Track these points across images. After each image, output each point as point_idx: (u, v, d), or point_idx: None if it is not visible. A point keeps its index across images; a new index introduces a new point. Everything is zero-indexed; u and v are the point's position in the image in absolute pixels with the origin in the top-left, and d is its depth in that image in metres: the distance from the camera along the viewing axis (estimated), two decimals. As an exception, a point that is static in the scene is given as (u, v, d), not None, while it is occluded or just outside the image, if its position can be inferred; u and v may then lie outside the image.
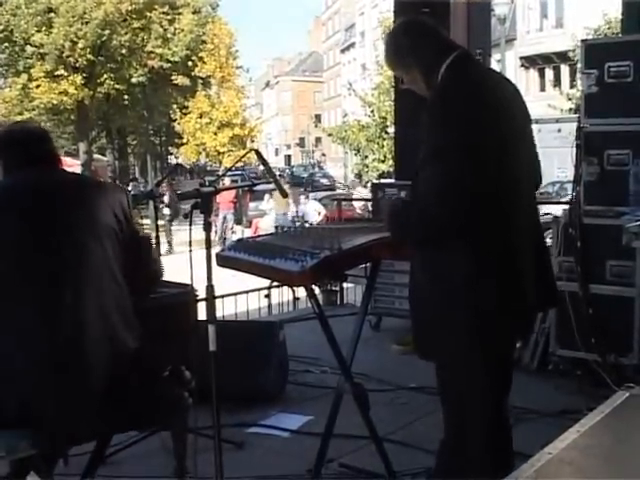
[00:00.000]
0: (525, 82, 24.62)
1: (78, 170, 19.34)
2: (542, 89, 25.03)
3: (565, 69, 23.66)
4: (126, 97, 24.63)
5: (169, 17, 23.82)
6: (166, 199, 13.46)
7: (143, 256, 2.14)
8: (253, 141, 28.49)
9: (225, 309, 5.42)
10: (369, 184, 16.87)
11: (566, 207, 3.89)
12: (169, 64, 24.09)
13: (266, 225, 13.88)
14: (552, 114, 20.77)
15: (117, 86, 23.43)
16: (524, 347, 3.99)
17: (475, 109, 1.75)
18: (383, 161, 19.35)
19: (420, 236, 1.82)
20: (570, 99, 19.89)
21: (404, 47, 1.90)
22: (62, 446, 1.93)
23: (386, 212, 1.96)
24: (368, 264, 2.74)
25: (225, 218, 15.14)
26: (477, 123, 1.74)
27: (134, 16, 22.86)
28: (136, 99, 25.37)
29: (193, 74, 24.70)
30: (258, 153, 2.60)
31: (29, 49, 22.26)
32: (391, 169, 17.51)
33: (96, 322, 1.90)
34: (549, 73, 24.91)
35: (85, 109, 23.79)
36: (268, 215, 14.54)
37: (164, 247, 13.09)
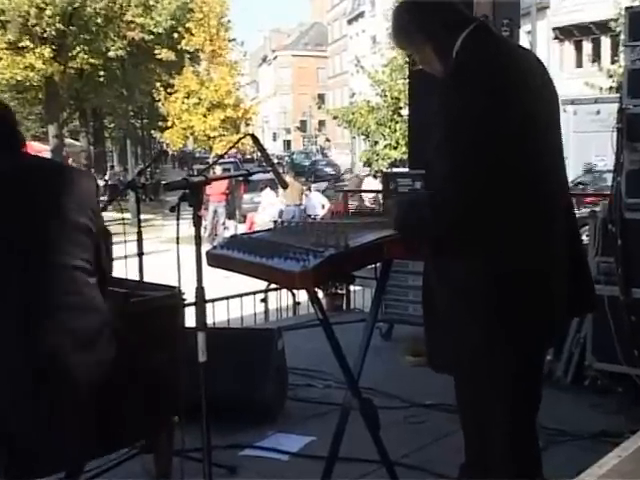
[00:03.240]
0: (559, 57, 24.59)
1: (47, 157, 19.39)
2: (579, 65, 25.00)
3: (606, 41, 23.61)
4: (102, 73, 24.60)
5: (152, -19, 23.81)
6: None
7: (106, 254, 2.16)
8: (248, 124, 28.44)
9: (216, 315, 5.43)
10: (379, 173, 16.96)
11: (605, 200, 3.90)
12: (152, 36, 24.06)
13: (262, 220, 13.92)
14: (590, 94, 20.74)
15: (92, 60, 23.39)
16: (556, 359, 3.99)
17: (495, 90, 1.75)
18: (395, 147, 19.32)
19: (435, 234, 1.84)
20: (611, 76, 19.83)
21: (412, 23, 1.91)
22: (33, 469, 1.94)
23: (393, 212, 1.97)
24: (378, 264, 2.75)
25: (216, 212, 15.17)
26: (498, 106, 1.74)
27: (111, -21, 22.80)
28: (114, 76, 25.36)
29: (179, 48, 24.66)
30: (254, 138, 2.61)
31: (-13, 16, 22.15)
32: (404, 157, 17.49)
33: (67, 326, 1.91)
34: (587, 46, 24.87)
35: (55, 87, 23.74)
36: (266, 209, 14.56)
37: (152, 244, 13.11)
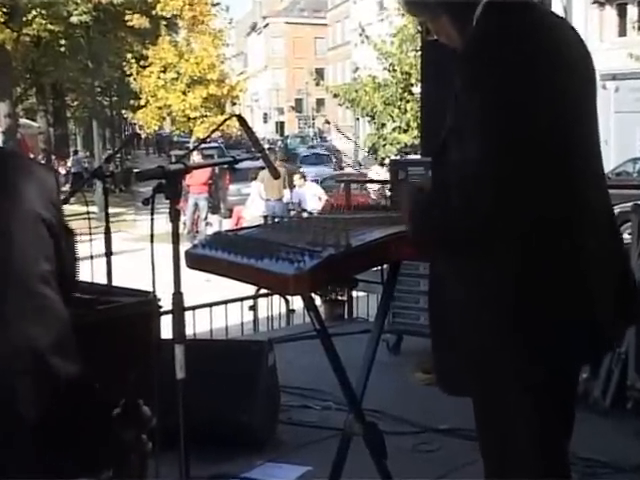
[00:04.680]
0: (599, 25, 24.57)
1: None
2: (622, 33, 24.96)
3: (654, 6, 23.59)
4: (63, 42, 24.56)
5: None
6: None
7: (69, 255, 2.17)
8: (234, 104, 28.44)
9: (197, 325, 5.45)
10: (387, 161, 16.93)
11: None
12: (122, -2, 24.06)
13: (251, 215, 13.91)
14: (635, 67, 20.71)
15: (51, 27, 23.32)
16: (593, 377, 4.00)
17: (522, 64, 1.75)
18: (406, 131, 19.29)
19: (443, 242, 1.83)
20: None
21: None
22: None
23: (405, 202, 1.97)
24: (385, 266, 2.76)
25: (197, 205, 15.18)
26: (524, 82, 1.74)
27: None
28: (77, 45, 25.31)
29: (154, 13, 24.63)
30: (241, 120, 2.62)
31: None
32: (416, 141, 17.48)
33: (16, 342, 1.92)
34: (632, 11, 24.82)
35: (6, 57, 23.65)
36: (255, 202, 14.55)
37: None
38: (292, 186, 14.79)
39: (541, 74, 1.77)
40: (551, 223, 1.78)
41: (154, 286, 2.15)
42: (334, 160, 29.54)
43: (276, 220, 2.69)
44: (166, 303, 2.25)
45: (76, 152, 30.93)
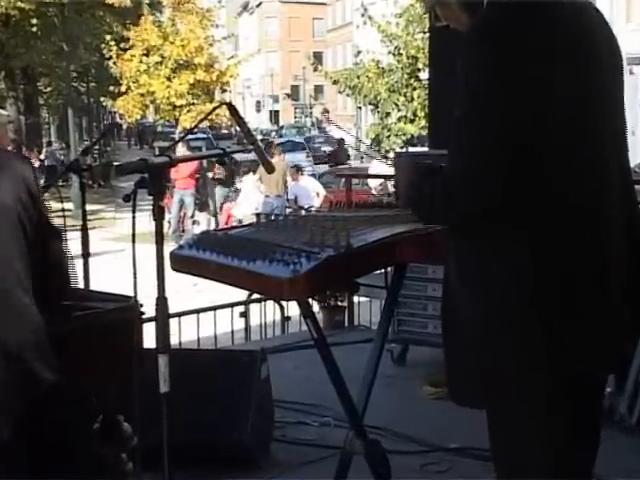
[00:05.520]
0: (625, 4, 24.57)
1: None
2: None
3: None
4: (35, 22, 24.54)
5: None
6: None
7: (54, 256, 2.17)
8: (224, 90, 28.46)
9: (183, 333, 5.44)
10: (391, 154, 16.91)
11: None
12: (100, -26, 24.05)
13: (243, 212, 13.92)
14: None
15: (21, 4, 23.29)
16: (617, 392, 4.01)
17: (536, 48, 1.76)
18: (412, 121, 19.31)
19: (445, 224, 1.88)
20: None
21: None
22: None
23: (402, 181, 1.99)
24: (389, 269, 2.76)
25: (183, 202, 15.18)
26: (536, 69, 1.75)
27: None
28: (50, 25, 25.30)
29: (136, -10, 24.71)
30: (231, 108, 2.62)
31: None
32: (423, 132, 17.47)
33: None
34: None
35: (-30, 38, 23.64)
36: (247, 198, 14.56)
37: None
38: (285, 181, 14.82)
39: (556, 60, 1.77)
40: (567, 222, 1.79)
41: (136, 291, 2.14)
42: (337, 152, 29.57)
43: (270, 218, 2.68)
44: (149, 309, 2.25)
45: (50, 143, 30.93)
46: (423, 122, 17.57)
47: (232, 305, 6.21)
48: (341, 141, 29.82)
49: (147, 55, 24.54)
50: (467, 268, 1.88)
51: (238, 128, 2.60)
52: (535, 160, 1.76)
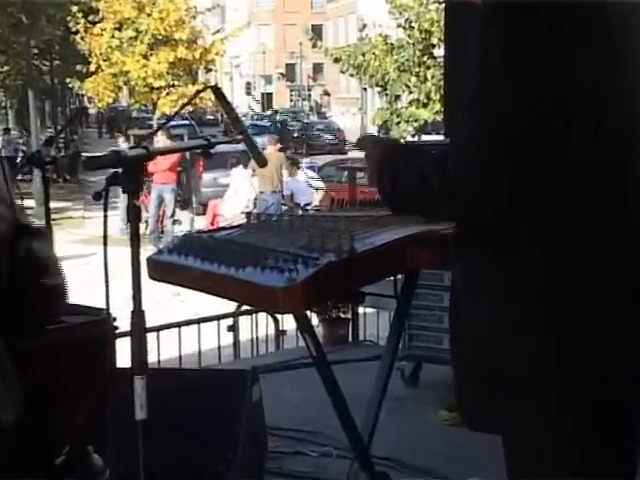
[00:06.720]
0: None
1: None
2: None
3: None
4: (-10, -8, 24.60)
5: None
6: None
7: (35, 262, 2.17)
8: (209, 70, 28.50)
9: (163, 349, 5.45)
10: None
11: None
12: None
13: (231, 211, 13.94)
14: None
15: (-28, -29, 23.35)
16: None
17: (564, 27, 1.75)
18: (425, 104, 19.29)
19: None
20: None
21: None
22: None
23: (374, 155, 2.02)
24: (399, 276, 2.77)
25: (162, 199, 15.19)
26: (567, 54, 1.75)
27: None
28: (8, -4, 25.34)
29: (106, -46, 24.68)
30: (217, 91, 2.62)
31: None
32: (438, 118, 17.47)
33: None
34: None
35: None
36: (237, 194, 14.59)
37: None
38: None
39: (596, 43, 1.77)
40: (588, 236, 1.80)
41: (108, 302, 2.14)
42: (337, 142, 29.70)
43: (262, 219, 2.69)
44: (123, 323, 2.25)
45: (7, 130, 30.96)
46: (438, 106, 17.55)
47: (219, 318, 6.23)
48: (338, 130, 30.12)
49: (120, 29, 24.48)
50: (477, 274, 1.88)
51: (225, 114, 2.60)
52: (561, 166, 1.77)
